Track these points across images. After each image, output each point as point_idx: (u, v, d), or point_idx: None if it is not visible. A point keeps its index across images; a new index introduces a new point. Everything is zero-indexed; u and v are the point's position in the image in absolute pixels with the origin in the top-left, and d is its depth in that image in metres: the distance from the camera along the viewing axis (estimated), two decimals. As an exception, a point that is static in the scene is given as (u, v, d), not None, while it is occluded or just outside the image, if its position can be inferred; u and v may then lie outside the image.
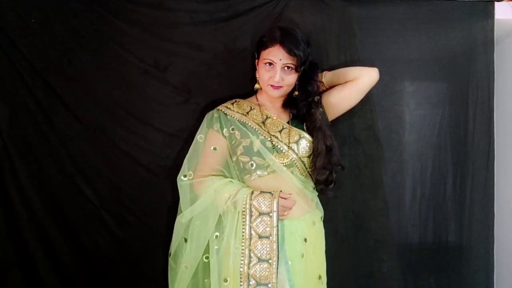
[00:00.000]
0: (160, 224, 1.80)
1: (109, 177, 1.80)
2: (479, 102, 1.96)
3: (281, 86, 1.59)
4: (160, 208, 1.81)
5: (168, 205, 1.80)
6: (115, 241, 1.80)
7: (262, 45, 1.60)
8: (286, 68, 1.57)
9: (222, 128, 1.64)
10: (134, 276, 1.82)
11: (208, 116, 1.68)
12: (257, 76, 1.64)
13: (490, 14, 1.95)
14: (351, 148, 1.88)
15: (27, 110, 1.74)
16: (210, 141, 1.64)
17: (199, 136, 1.66)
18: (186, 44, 1.80)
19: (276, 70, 1.56)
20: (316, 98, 1.66)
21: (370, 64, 1.88)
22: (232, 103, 1.70)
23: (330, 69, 1.85)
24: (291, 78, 1.60)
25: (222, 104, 1.69)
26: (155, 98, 1.80)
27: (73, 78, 1.76)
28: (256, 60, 1.64)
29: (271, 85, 1.59)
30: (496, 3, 1.95)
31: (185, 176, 1.63)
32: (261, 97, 1.71)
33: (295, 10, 1.84)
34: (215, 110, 1.68)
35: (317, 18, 1.86)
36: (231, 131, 1.63)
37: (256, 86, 1.66)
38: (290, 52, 1.55)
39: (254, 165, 1.59)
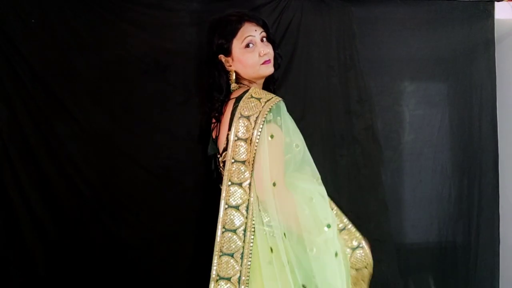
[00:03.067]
0: (160, 225, 1.80)
1: (108, 177, 1.79)
2: (481, 102, 1.98)
3: (270, 60, 1.50)
4: (160, 209, 1.80)
5: (168, 206, 1.80)
6: (115, 242, 1.80)
7: (229, 35, 1.48)
8: (263, 39, 1.51)
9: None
10: (133, 277, 1.81)
11: (278, 105, 1.43)
12: (231, 77, 1.51)
13: (490, 14, 1.96)
14: (350, 148, 1.88)
15: (26, 110, 1.72)
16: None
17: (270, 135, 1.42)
18: (187, 44, 1.80)
19: (259, 44, 1.48)
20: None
21: (370, 64, 1.89)
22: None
23: (330, 69, 1.86)
24: (271, 49, 1.52)
25: (264, 92, 1.46)
26: (155, 98, 1.79)
27: (73, 79, 1.76)
28: (226, 58, 1.50)
29: (264, 62, 1.49)
30: (496, 3, 1.95)
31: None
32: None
33: (295, 10, 1.84)
34: (279, 101, 1.43)
35: (317, 18, 1.87)
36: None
37: (234, 86, 1.52)
38: (258, 21, 1.50)
39: None
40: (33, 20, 1.72)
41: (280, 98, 1.43)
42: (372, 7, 1.91)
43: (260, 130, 1.39)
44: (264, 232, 1.42)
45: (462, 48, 1.97)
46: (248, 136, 1.40)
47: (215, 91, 1.54)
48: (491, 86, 1.99)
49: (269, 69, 1.51)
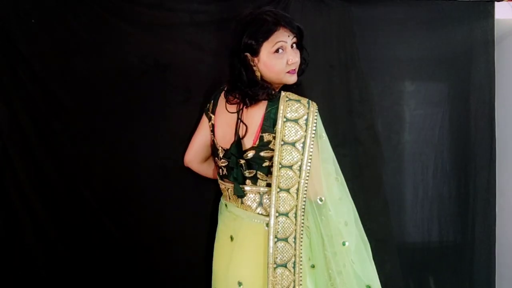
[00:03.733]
0: (160, 225, 1.80)
1: (108, 177, 1.79)
2: (480, 102, 1.97)
3: (295, 69, 1.49)
4: (160, 208, 1.80)
5: (168, 206, 1.81)
6: (115, 242, 1.80)
7: (261, 37, 1.42)
8: (293, 46, 1.47)
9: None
10: (134, 278, 1.81)
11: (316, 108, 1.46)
12: (257, 75, 1.47)
13: (490, 14, 1.96)
14: (351, 148, 1.88)
15: (27, 111, 1.72)
16: None
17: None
18: (187, 44, 1.80)
19: (289, 51, 1.44)
20: None
21: (371, 64, 1.89)
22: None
23: (331, 68, 1.86)
24: (298, 57, 1.49)
25: (291, 93, 1.48)
26: (155, 98, 1.79)
27: (73, 79, 1.75)
28: (252, 58, 1.45)
29: (289, 71, 1.47)
30: (496, 3, 1.95)
31: None
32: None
33: (295, 10, 1.83)
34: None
35: (317, 18, 1.87)
36: None
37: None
38: (293, 28, 1.44)
39: None
40: (33, 20, 1.71)
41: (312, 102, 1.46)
42: (372, 7, 1.90)
43: (314, 131, 1.40)
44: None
45: (462, 48, 1.97)
46: (297, 139, 1.40)
47: (245, 85, 1.46)
48: (490, 86, 1.99)
49: (292, 79, 1.49)
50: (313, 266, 1.46)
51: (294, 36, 1.46)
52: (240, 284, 1.44)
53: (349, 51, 1.89)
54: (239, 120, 1.49)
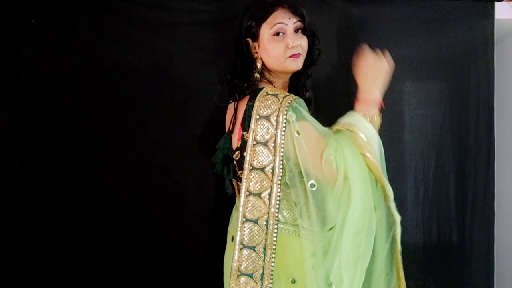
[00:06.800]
0: (161, 225, 1.80)
1: (108, 177, 1.79)
2: (479, 102, 1.98)
3: (300, 54, 1.33)
4: (161, 208, 1.81)
5: (168, 205, 1.81)
6: (115, 242, 1.80)
7: (260, 18, 1.31)
8: (297, 30, 1.33)
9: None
10: (135, 278, 1.81)
11: (298, 101, 1.25)
12: (257, 63, 1.34)
13: (490, 14, 1.96)
14: (352, 148, 1.88)
15: (26, 110, 1.73)
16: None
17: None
18: (187, 44, 1.80)
19: (290, 35, 1.31)
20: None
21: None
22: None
23: (332, 68, 1.86)
24: (305, 43, 1.34)
25: (273, 88, 1.31)
26: (155, 98, 1.79)
27: (73, 79, 1.76)
28: (253, 44, 1.34)
29: (292, 55, 1.32)
30: (496, 3, 1.95)
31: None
32: (278, 85, 1.38)
33: (296, 10, 1.83)
34: (295, 98, 1.25)
35: (318, 18, 1.86)
36: None
37: (256, 76, 1.33)
38: (295, 10, 1.31)
39: None
40: (33, 21, 1.72)
41: (297, 96, 1.27)
42: (373, 7, 1.91)
43: (283, 129, 1.22)
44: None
45: (462, 47, 1.97)
46: (268, 138, 1.23)
47: (238, 75, 1.35)
48: (490, 86, 1.99)
49: (296, 64, 1.33)
50: (293, 282, 1.28)
51: (298, 20, 1.32)
52: None
53: (349, 51, 1.88)
54: (234, 114, 1.38)
